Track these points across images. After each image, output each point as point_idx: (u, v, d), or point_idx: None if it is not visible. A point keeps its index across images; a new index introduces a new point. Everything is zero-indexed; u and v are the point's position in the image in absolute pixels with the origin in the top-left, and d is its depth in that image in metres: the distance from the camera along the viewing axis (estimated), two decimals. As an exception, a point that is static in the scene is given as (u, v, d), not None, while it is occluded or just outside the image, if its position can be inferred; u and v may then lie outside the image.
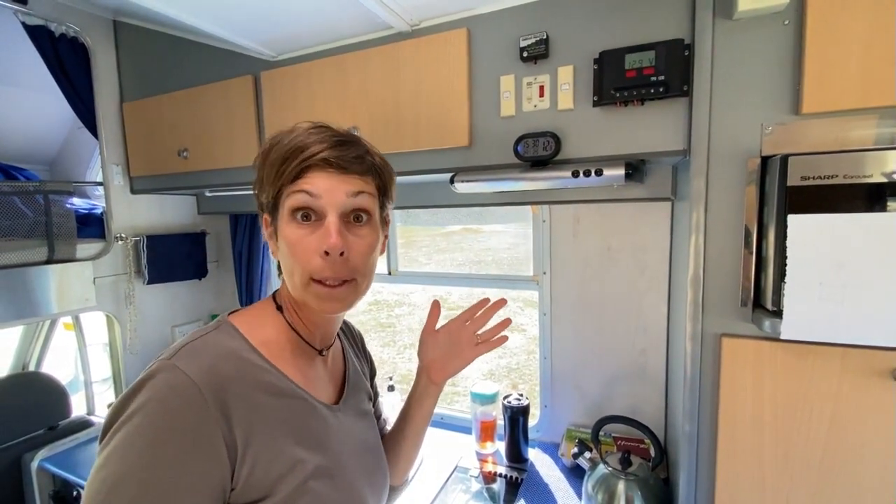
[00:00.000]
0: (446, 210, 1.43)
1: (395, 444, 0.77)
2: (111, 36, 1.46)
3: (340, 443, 0.59)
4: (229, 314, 0.58)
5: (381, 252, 0.62)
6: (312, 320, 0.60)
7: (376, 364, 0.82)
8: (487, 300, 0.77)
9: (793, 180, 0.67)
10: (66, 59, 1.35)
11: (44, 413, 1.66)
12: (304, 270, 0.52)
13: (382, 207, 0.60)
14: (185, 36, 1.29)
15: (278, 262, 0.59)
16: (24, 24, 1.29)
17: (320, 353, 0.63)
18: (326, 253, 0.51)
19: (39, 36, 1.31)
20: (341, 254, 0.52)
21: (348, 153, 0.53)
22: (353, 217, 0.54)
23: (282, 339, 0.58)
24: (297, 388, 0.56)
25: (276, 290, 0.62)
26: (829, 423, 0.71)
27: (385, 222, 0.63)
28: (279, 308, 0.60)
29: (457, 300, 7.31)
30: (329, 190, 0.52)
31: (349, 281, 0.54)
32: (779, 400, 0.74)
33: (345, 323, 0.79)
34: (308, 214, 0.52)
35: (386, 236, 0.64)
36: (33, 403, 1.65)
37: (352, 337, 0.79)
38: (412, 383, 0.78)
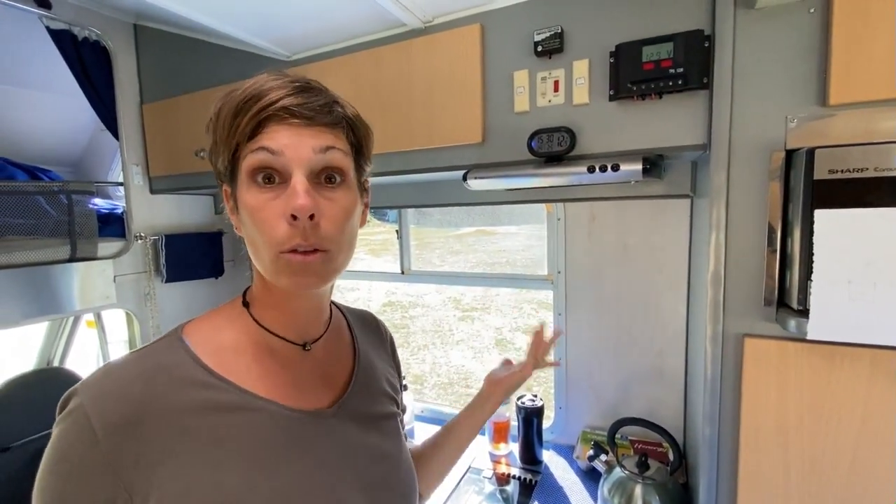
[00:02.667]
0: (460, 211, 1.42)
1: (430, 452, 0.76)
2: (132, 39, 1.49)
3: (328, 451, 0.51)
4: (190, 321, 0.52)
5: (362, 224, 0.54)
6: (290, 309, 0.53)
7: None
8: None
9: (820, 174, 0.64)
10: (88, 63, 1.38)
11: (66, 408, 1.70)
12: (272, 241, 0.44)
13: (360, 170, 0.52)
14: (202, 38, 1.31)
15: (242, 242, 0.50)
16: (48, 28, 1.32)
17: (304, 347, 0.55)
18: (294, 217, 0.43)
19: (63, 40, 1.34)
20: (311, 217, 0.43)
21: (313, 101, 0.45)
22: (324, 178, 0.46)
23: (242, 341, 0.51)
24: (256, 398, 0.48)
25: (248, 286, 0.55)
26: (859, 428, 0.68)
27: (364, 189, 0.55)
28: (246, 304, 0.53)
29: (470, 301, 7.30)
30: (292, 145, 0.44)
31: (322, 251, 0.45)
32: (805, 403, 0.71)
33: (375, 320, 0.73)
34: (271, 176, 0.44)
35: (366, 205, 0.56)
36: (56, 398, 1.68)
37: (379, 336, 0.71)
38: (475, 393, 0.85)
